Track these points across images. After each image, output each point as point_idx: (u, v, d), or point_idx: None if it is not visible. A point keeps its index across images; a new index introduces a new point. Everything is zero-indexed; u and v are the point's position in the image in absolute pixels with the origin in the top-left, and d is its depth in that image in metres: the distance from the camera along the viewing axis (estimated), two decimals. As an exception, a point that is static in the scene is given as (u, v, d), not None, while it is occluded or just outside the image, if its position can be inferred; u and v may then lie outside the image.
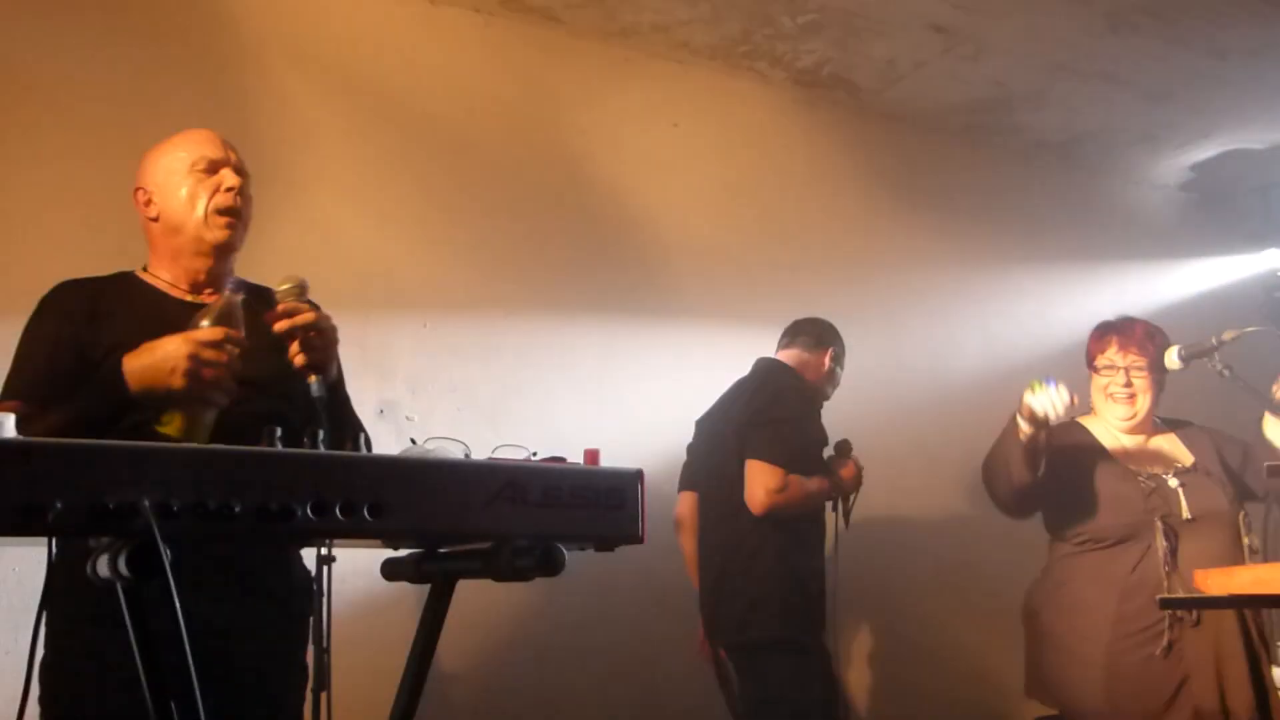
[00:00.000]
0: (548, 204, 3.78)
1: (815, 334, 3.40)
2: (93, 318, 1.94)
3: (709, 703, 3.29)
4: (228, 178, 2.04)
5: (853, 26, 4.01)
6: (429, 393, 3.40)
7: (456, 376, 3.46)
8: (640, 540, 1.38)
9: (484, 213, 3.65)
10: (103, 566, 1.25)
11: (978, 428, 4.09)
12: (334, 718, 2.52)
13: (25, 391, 1.84)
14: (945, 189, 4.63)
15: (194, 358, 1.70)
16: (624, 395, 3.71)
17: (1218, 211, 5.35)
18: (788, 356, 3.37)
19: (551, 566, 1.29)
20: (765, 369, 3.31)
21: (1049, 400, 2.65)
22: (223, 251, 2.06)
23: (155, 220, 2.06)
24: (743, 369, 3.35)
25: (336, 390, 2.00)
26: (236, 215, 2.04)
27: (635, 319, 3.81)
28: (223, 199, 2.03)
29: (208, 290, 2.07)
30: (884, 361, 4.19)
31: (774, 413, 3.05)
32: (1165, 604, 2.68)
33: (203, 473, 1.20)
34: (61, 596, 1.69)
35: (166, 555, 1.13)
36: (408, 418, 3.33)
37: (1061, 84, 4.42)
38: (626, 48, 4.09)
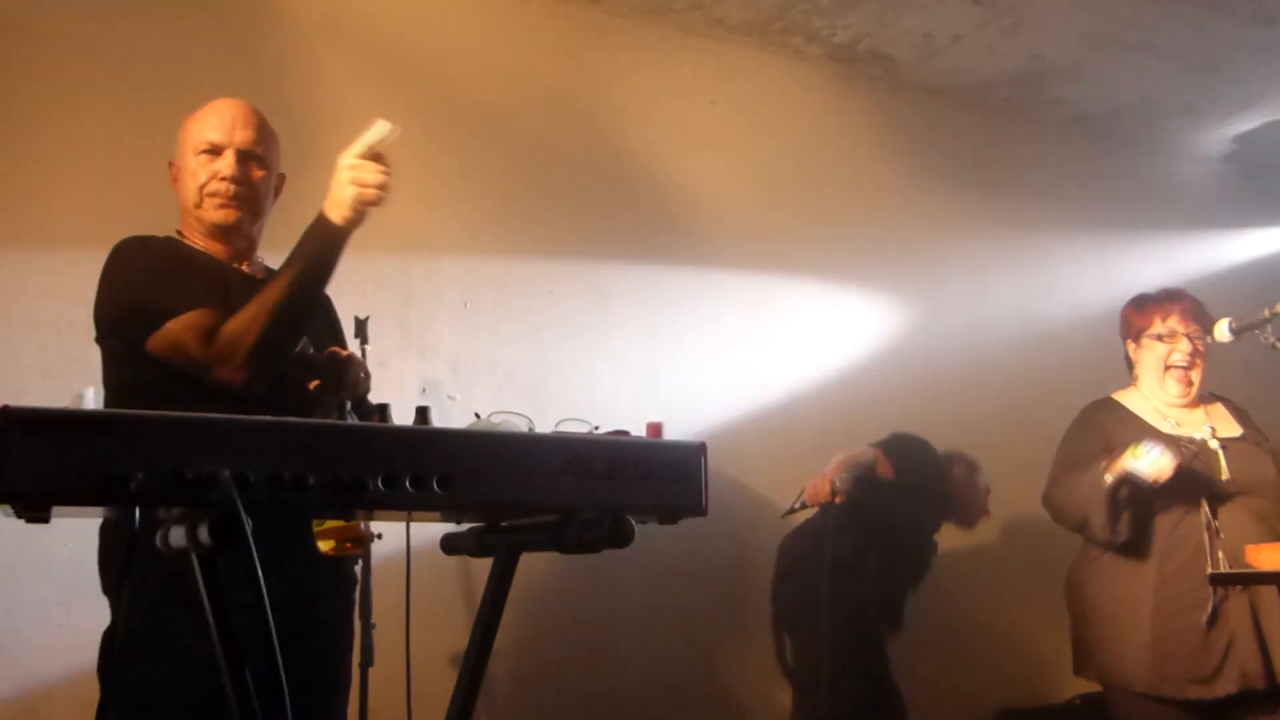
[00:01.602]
0: (586, 182, 3.77)
1: None
2: (164, 274, 1.97)
3: (757, 680, 3.31)
4: (223, 163, 2.05)
5: (889, 0, 3.98)
6: (471, 371, 3.41)
7: (498, 355, 3.47)
8: (703, 512, 1.39)
9: (522, 191, 3.65)
10: (177, 537, 1.27)
11: (1015, 400, 4.12)
12: (379, 691, 2.56)
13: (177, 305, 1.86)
14: (983, 163, 4.59)
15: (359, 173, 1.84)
16: (664, 371, 3.71)
17: (1260, 183, 5.27)
18: None
19: (621, 538, 1.29)
20: None
21: (1156, 464, 2.61)
22: (226, 232, 2.08)
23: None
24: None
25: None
26: (230, 199, 2.05)
27: (674, 295, 3.81)
28: (213, 185, 2.05)
29: (242, 263, 2.10)
30: (922, 333, 4.18)
31: None
32: (1214, 579, 2.66)
33: (278, 444, 1.22)
34: (127, 571, 1.73)
35: (248, 525, 1.14)
36: (450, 396, 3.35)
37: (1100, 55, 4.36)
38: (662, 25, 4.07)
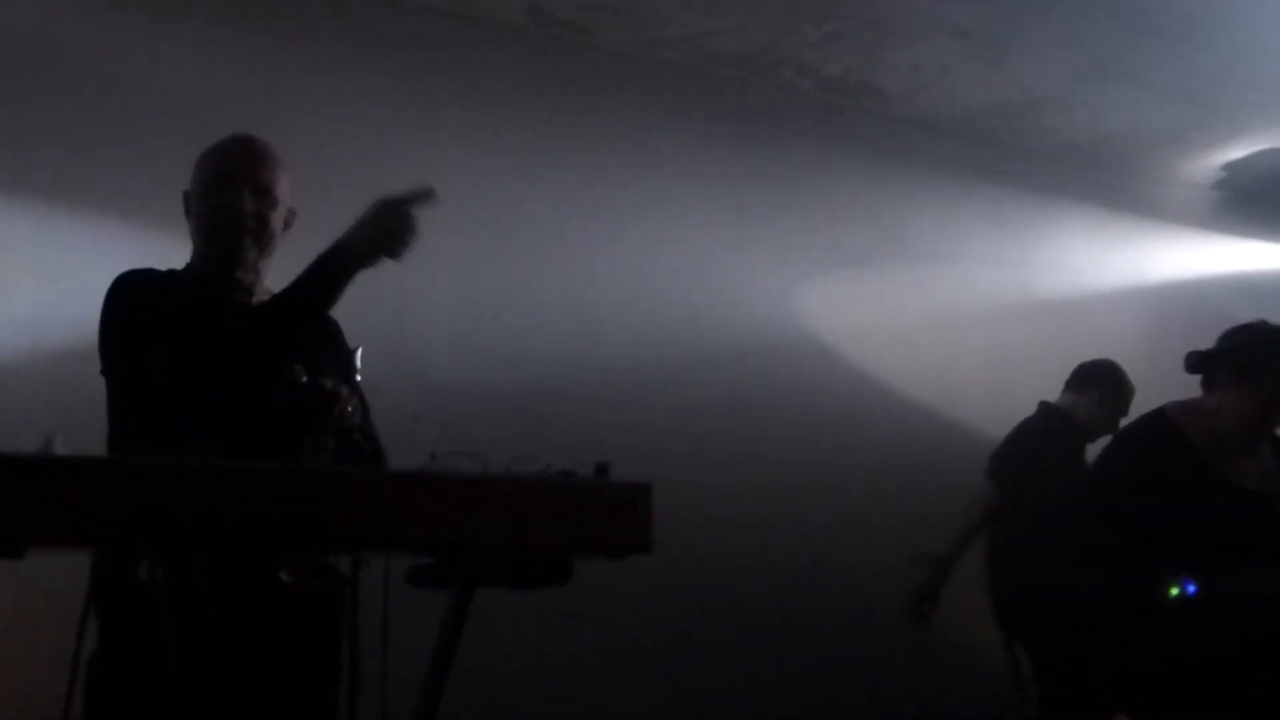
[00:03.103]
0: (572, 210, 3.86)
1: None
2: (156, 311, 1.99)
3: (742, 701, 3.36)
4: (233, 194, 2.07)
5: (876, 35, 4.07)
6: (462, 400, 3.49)
7: (487, 383, 3.55)
8: (648, 549, 1.46)
9: (515, 219, 3.74)
10: (143, 572, 1.36)
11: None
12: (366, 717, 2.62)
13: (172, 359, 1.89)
14: (973, 191, 4.65)
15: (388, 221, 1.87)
16: (650, 400, 3.78)
17: (1251, 209, 5.32)
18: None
19: (561, 576, 1.37)
20: None
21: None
22: (233, 264, 2.09)
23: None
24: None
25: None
26: (238, 230, 2.07)
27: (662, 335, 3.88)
28: (222, 216, 2.07)
29: (248, 295, 2.15)
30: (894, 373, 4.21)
31: None
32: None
33: (236, 487, 1.30)
34: (111, 597, 1.81)
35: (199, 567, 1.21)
36: (442, 424, 3.42)
37: (1087, 87, 4.44)
38: (655, 58, 4.16)
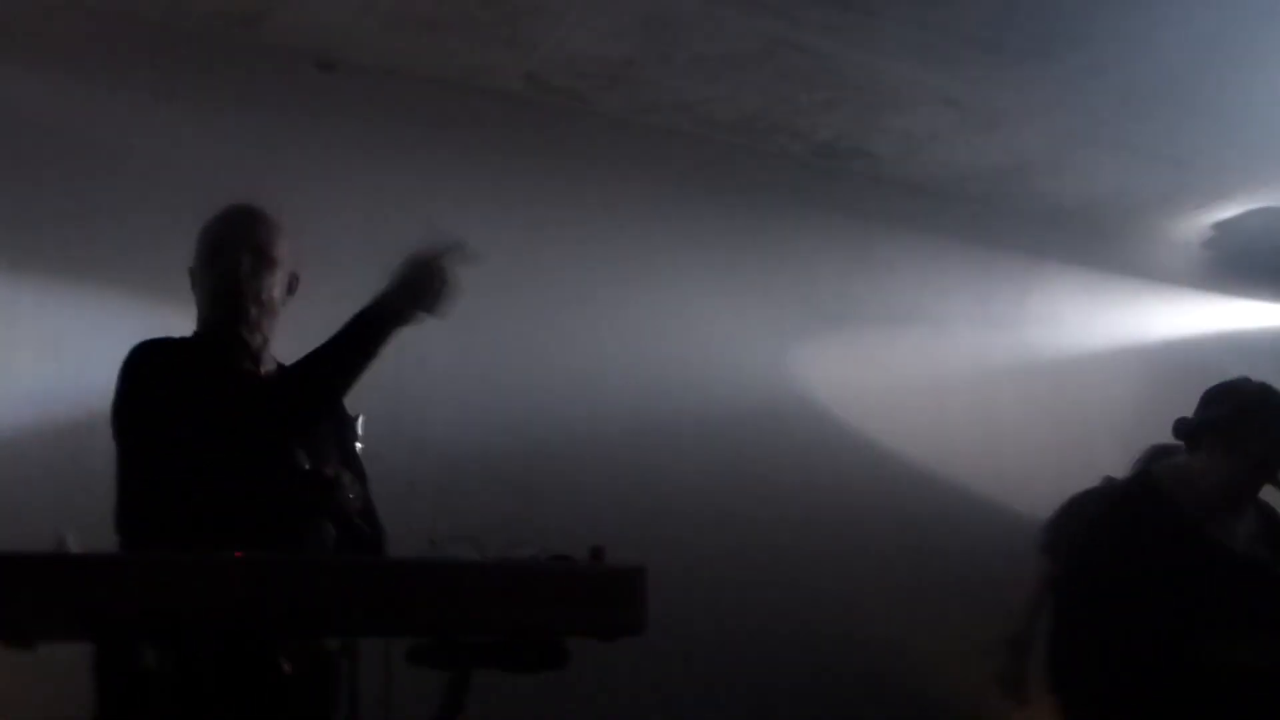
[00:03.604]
0: (569, 276, 3.91)
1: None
2: (167, 384, 2.02)
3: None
4: (232, 262, 2.11)
5: (867, 101, 4.15)
6: (460, 467, 3.52)
7: (484, 450, 3.58)
8: (641, 630, 1.49)
9: (510, 286, 3.78)
10: (150, 660, 1.39)
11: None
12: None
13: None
14: (966, 254, 4.71)
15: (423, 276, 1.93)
16: (646, 465, 3.80)
17: (1242, 268, 5.38)
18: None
19: (555, 661, 1.40)
20: None
21: None
22: (236, 331, 2.12)
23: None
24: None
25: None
26: (238, 297, 2.10)
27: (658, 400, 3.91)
28: (223, 284, 2.11)
29: (256, 362, 2.18)
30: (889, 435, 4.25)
31: None
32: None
33: (239, 578, 1.33)
34: (113, 680, 1.83)
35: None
36: (439, 489, 3.45)
37: (1076, 151, 4.52)
38: (650, 124, 4.24)
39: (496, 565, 1.46)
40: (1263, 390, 2.68)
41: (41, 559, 1.26)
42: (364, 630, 1.38)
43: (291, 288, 2.27)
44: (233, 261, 2.13)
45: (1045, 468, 4.27)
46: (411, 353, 3.50)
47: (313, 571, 1.38)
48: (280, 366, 2.21)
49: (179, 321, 2.26)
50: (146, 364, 2.08)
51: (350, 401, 2.93)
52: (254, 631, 1.33)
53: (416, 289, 1.97)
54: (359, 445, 2.91)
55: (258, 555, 1.39)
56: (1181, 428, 2.67)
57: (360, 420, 2.98)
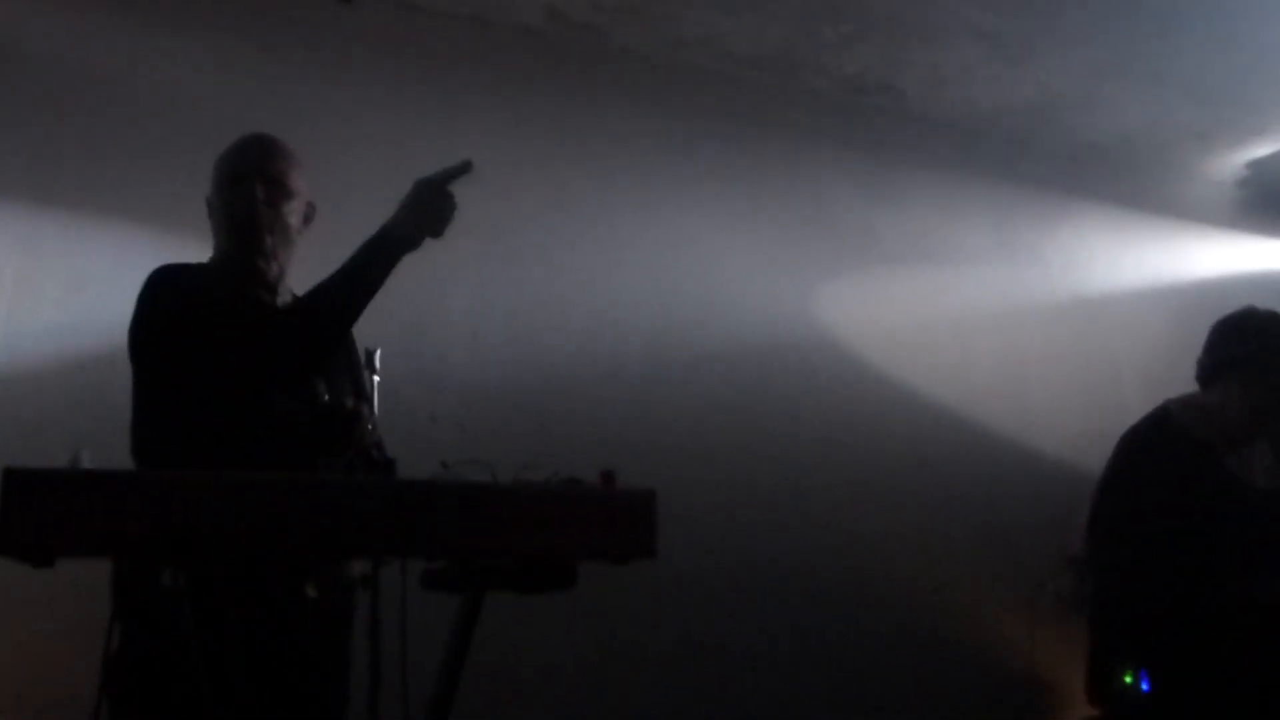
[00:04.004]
0: (588, 211, 3.89)
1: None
2: (188, 306, 2.04)
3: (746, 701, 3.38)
4: (248, 191, 2.12)
5: (894, 35, 4.06)
6: (480, 401, 3.53)
7: (507, 385, 3.59)
8: (653, 555, 1.49)
9: (529, 221, 3.77)
10: (168, 578, 1.41)
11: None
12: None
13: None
14: (994, 192, 4.64)
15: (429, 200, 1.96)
16: (662, 400, 3.80)
17: (1276, 207, 5.28)
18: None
19: (564, 581, 1.41)
20: None
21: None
22: (253, 260, 2.14)
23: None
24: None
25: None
26: (254, 226, 2.11)
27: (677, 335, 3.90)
28: (238, 213, 2.12)
29: (272, 292, 2.19)
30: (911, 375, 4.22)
31: None
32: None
33: (256, 498, 1.34)
34: (133, 601, 1.86)
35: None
36: (459, 425, 3.47)
37: (1109, 85, 4.41)
38: (672, 59, 4.18)
39: (508, 487, 1.46)
40: (1272, 319, 2.66)
41: (58, 474, 1.27)
42: (380, 551, 1.39)
43: (308, 218, 2.28)
44: (248, 190, 2.14)
45: (1071, 409, 4.25)
46: (431, 287, 3.53)
47: (330, 491, 1.39)
48: (295, 297, 2.22)
49: (199, 252, 2.27)
50: (165, 287, 2.09)
51: (369, 336, 2.95)
52: (271, 551, 1.34)
53: (422, 213, 1.97)
54: (377, 379, 2.93)
55: (276, 474, 1.40)
56: (1197, 369, 2.67)
57: (379, 354, 3.00)
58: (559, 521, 1.44)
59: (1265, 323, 2.66)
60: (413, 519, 1.40)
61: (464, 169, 2.01)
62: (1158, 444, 2.64)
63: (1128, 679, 2.44)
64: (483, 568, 1.53)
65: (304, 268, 2.28)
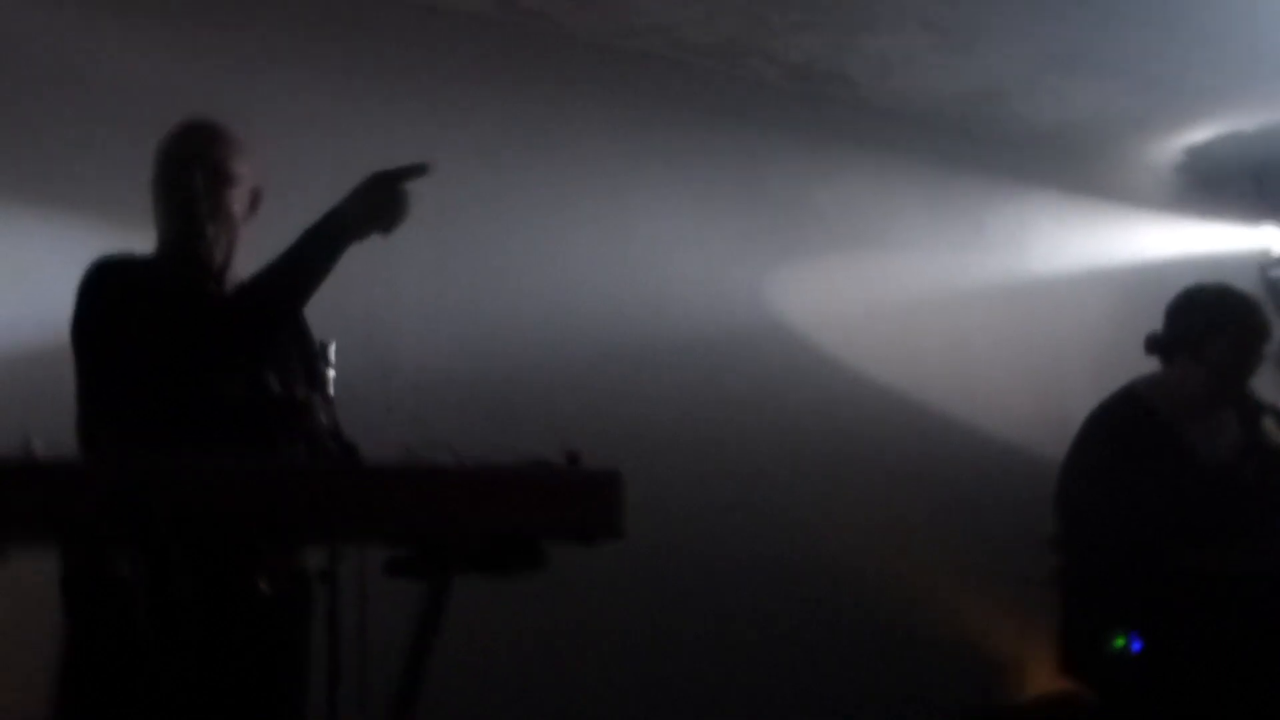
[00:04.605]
0: (540, 199, 3.87)
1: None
2: (125, 300, 2.00)
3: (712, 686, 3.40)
4: (188, 178, 2.08)
5: (842, 23, 4.09)
6: (435, 391, 3.51)
7: (462, 374, 3.57)
8: (620, 535, 1.49)
9: (481, 210, 3.75)
10: (124, 567, 1.38)
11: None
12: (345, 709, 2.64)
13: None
14: (940, 179, 4.70)
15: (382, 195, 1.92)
16: (619, 388, 3.80)
17: (1213, 193, 5.41)
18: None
19: (534, 562, 1.40)
20: None
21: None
22: (195, 248, 2.09)
23: None
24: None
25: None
26: (194, 214, 2.07)
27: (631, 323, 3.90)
28: (178, 201, 2.08)
29: (217, 281, 2.14)
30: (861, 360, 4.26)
31: None
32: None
33: (212, 484, 1.31)
34: (83, 593, 1.82)
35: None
36: (415, 416, 3.44)
37: (1052, 73, 4.49)
38: (622, 47, 4.18)
39: (473, 468, 1.45)
40: (1220, 294, 2.76)
41: (9, 463, 1.23)
42: (342, 537, 1.37)
43: (254, 204, 2.23)
44: (188, 178, 2.09)
45: (1017, 390, 4.32)
46: (382, 277, 3.50)
47: (288, 476, 1.37)
48: (240, 280, 2.18)
49: (142, 241, 2.22)
50: (105, 279, 2.05)
51: (321, 328, 2.91)
52: (228, 538, 1.32)
53: (373, 206, 1.95)
54: (331, 372, 2.89)
55: (232, 460, 1.37)
56: (1153, 343, 2.74)
57: (333, 347, 2.96)
58: (525, 501, 1.44)
59: (1216, 296, 2.76)
60: (377, 503, 1.39)
61: (420, 170, 1.98)
62: (1122, 422, 2.73)
63: (1119, 643, 2.48)
64: (448, 551, 1.53)
65: (250, 253, 2.25)
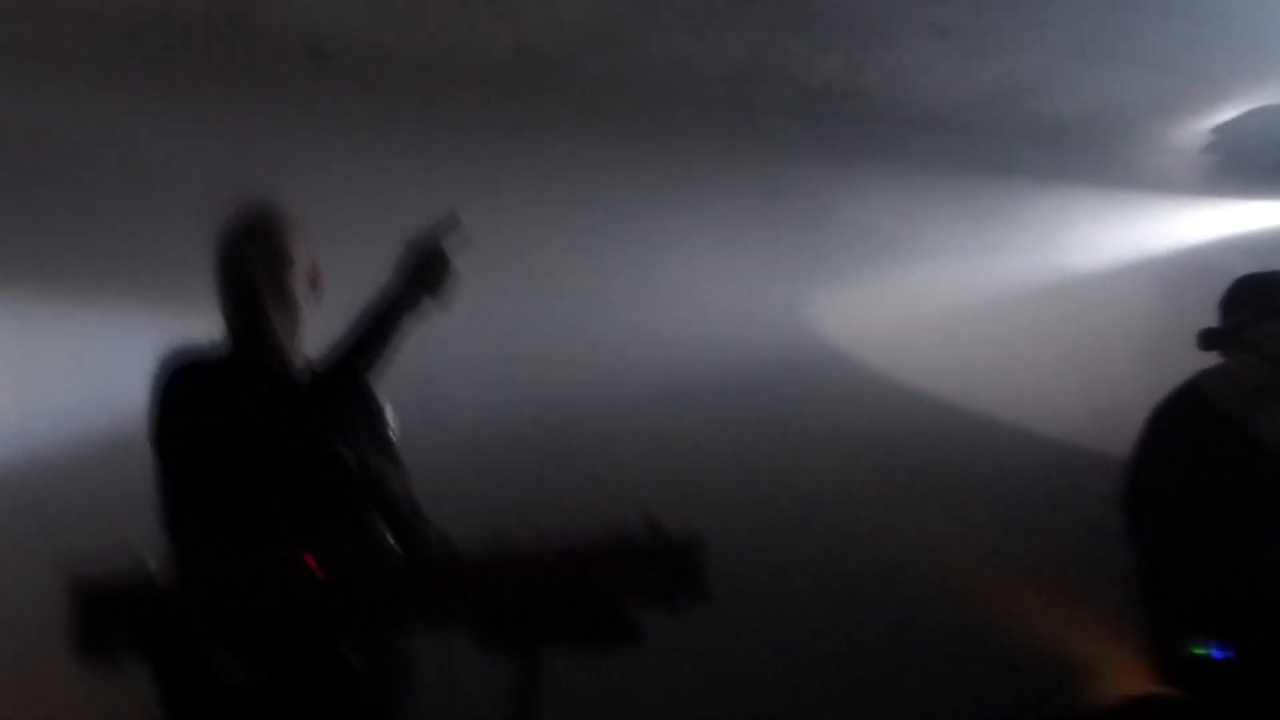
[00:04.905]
0: (575, 242, 3.91)
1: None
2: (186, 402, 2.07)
3: None
4: (239, 266, 2.13)
5: (856, 40, 4.12)
6: (492, 445, 3.55)
7: (515, 427, 3.61)
8: (708, 599, 1.53)
9: (518, 259, 3.79)
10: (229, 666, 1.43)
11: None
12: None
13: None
14: (967, 183, 4.69)
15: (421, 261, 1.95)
16: (670, 424, 3.83)
17: (1244, 170, 5.35)
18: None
19: (629, 636, 1.43)
20: None
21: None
22: (260, 335, 2.14)
23: None
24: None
25: None
26: (256, 303, 2.11)
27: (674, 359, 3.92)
28: (239, 290, 2.13)
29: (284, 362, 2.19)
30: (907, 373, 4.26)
31: None
32: None
33: (309, 583, 1.36)
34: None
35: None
36: (475, 472, 3.47)
37: (1068, 66, 4.47)
38: (642, 82, 4.21)
39: (560, 544, 1.49)
40: (1270, 282, 2.76)
41: (123, 584, 1.29)
42: (439, 622, 1.41)
43: (315, 283, 2.27)
44: (248, 269, 2.13)
45: (1066, 390, 4.30)
46: (431, 336, 3.55)
47: (383, 567, 1.41)
48: (309, 363, 2.23)
49: (201, 325, 2.25)
50: (174, 383, 2.10)
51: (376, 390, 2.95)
52: (330, 630, 1.37)
53: (415, 274, 1.98)
54: (392, 434, 2.95)
55: (326, 556, 1.42)
56: (1208, 338, 2.73)
57: (388, 409, 3.02)
58: (611, 575, 1.47)
59: (1266, 284, 2.75)
60: (469, 586, 1.43)
61: (453, 223, 2.00)
62: (1186, 417, 2.72)
63: (1197, 651, 2.47)
64: (539, 626, 1.56)
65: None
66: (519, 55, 3.97)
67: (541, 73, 4.06)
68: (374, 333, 2.02)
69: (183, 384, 2.08)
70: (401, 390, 2.53)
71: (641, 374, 3.86)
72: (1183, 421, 2.71)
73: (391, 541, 1.92)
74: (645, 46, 4.02)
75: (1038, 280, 4.65)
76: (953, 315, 4.42)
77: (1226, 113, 5.01)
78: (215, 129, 3.42)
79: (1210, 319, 2.85)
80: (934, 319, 4.36)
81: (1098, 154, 4.99)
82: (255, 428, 1.98)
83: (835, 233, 4.38)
